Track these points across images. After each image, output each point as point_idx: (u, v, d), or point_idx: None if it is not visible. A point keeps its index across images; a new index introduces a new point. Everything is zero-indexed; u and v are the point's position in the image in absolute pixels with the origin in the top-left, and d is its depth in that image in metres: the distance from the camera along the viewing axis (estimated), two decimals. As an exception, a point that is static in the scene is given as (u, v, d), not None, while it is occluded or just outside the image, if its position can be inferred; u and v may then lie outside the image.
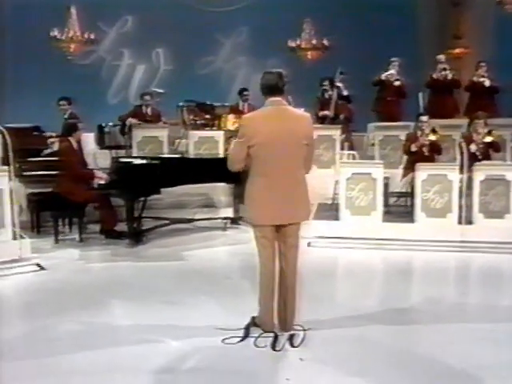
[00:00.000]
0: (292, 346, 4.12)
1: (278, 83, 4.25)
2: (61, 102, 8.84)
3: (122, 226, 7.51)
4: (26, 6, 12.15)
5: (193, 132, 9.88)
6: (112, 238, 7.42)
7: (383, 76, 10.62)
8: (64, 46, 12.47)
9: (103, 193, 7.36)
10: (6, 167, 6.44)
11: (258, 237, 4.25)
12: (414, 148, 8.22)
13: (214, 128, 10.31)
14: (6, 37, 12.12)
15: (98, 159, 9.37)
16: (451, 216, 7.45)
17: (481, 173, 7.42)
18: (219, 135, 9.67)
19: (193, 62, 13.88)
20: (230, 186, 8.42)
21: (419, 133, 8.32)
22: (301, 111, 4.40)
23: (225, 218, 8.20)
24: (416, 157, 8.09)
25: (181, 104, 10.70)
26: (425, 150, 8.15)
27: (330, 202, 8.36)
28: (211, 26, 13.68)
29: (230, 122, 10.09)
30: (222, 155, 9.00)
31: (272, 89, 4.24)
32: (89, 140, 9.63)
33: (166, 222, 7.89)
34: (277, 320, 4.31)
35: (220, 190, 8.94)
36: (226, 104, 10.86)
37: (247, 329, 4.31)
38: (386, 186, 8.29)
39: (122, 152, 9.75)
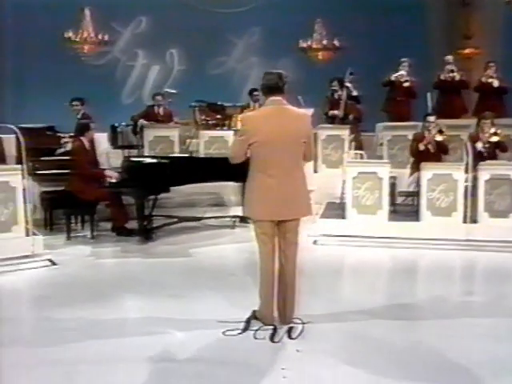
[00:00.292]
0: (290, 338, 4.28)
1: (278, 83, 4.40)
2: (74, 103, 9.04)
3: (132, 224, 7.68)
4: (41, 7, 12.33)
5: (203, 132, 10.04)
6: (123, 236, 7.61)
7: (393, 77, 10.70)
8: (78, 47, 12.67)
9: (114, 191, 7.54)
10: (19, 166, 6.63)
11: (258, 233, 4.39)
12: (421, 147, 8.30)
13: (225, 128, 10.46)
14: (20, 38, 12.28)
15: (111, 158, 9.53)
16: (456, 215, 7.52)
17: (486, 172, 7.47)
18: (229, 135, 9.80)
19: (206, 63, 13.98)
20: (239, 184, 8.54)
21: (426, 133, 8.39)
22: (300, 110, 4.52)
23: (233, 217, 8.34)
24: (423, 156, 8.17)
25: (193, 104, 10.87)
26: (430, 147, 8.22)
27: (338, 201, 8.46)
28: (224, 26, 13.78)
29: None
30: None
31: (272, 88, 4.39)
32: (102, 140, 9.78)
33: (175, 220, 8.04)
34: (277, 313, 4.45)
35: (230, 189, 9.06)
36: (237, 104, 10.99)
37: (248, 322, 4.46)
38: (393, 185, 8.38)
39: (134, 151, 9.94)
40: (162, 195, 8.14)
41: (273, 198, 4.31)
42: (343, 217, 7.79)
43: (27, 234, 6.58)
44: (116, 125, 10.14)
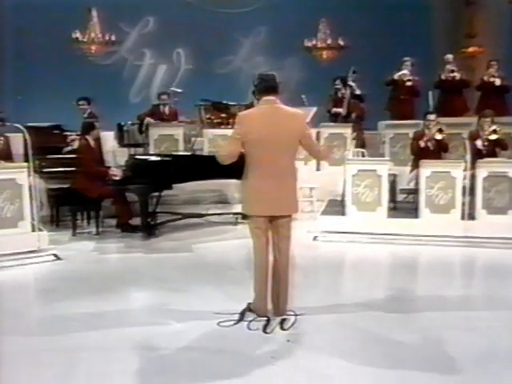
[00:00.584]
0: (282, 329, 4.44)
1: (274, 84, 4.54)
2: (80, 102, 9.24)
3: (137, 221, 7.86)
4: (49, 7, 12.53)
5: (207, 130, 10.20)
6: (127, 232, 7.80)
7: (396, 76, 10.78)
8: (85, 47, 12.88)
9: (118, 188, 7.71)
10: (25, 164, 6.84)
11: (252, 227, 4.55)
12: (422, 144, 8.40)
13: (229, 126, 10.59)
14: (29, 38, 12.49)
15: (117, 157, 9.71)
16: (455, 212, 7.63)
17: (484, 169, 7.58)
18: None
19: (212, 62, 14.12)
20: (241, 182, 8.68)
21: (426, 131, 8.50)
22: (294, 109, 4.66)
23: (235, 214, 8.49)
24: (423, 154, 8.27)
25: (198, 103, 11.02)
26: (430, 145, 8.33)
27: (339, 198, 8.59)
28: (230, 26, 13.95)
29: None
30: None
31: (269, 88, 4.53)
32: (109, 138, 9.97)
33: (178, 216, 8.21)
34: (271, 306, 4.61)
35: (233, 187, 9.19)
36: (242, 103, 11.10)
37: (242, 313, 4.63)
38: (394, 182, 8.51)
39: (140, 150, 10.10)
40: (167, 193, 8.35)
41: (267, 194, 4.47)
42: (343, 214, 7.92)
43: (33, 230, 6.78)
44: (122, 123, 10.27)
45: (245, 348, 4.10)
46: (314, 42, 13.75)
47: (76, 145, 8.65)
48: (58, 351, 4.12)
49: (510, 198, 7.57)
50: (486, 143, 8.18)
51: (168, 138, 9.89)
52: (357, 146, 9.84)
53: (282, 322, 4.50)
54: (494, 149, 8.30)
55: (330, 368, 3.82)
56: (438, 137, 8.36)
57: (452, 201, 7.64)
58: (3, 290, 5.55)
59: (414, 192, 8.38)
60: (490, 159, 7.85)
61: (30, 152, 6.82)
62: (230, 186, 9.23)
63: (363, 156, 8.91)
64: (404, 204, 8.68)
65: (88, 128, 7.97)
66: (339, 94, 10.49)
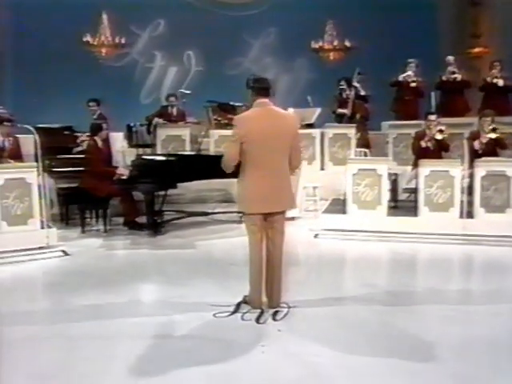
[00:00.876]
0: (274, 320, 4.66)
1: (268, 87, 4.77)
2: (90, 104, 9.53)
3: (144, 219, 8.09)
4: (60, 10, 12.82)
5: (213, 131, 10.43)
6: (134, 230, 8.04)
7: (400, 77, 10.92)
8: (96, 50, 13.20)
9: (125, 188, 7.95)
10: (34, 163, 7.10)
11: (248, 224, 4.80)
12: (423, 144, 8.54)
13: (235, 127, 10.77)
14: (41, 41, 12.77)
15: (126, 157, 9.95)
16: (453, 210, 7.77)
17: (482, 169, 7.69)
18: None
19: (222, 63, 14.28)
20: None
21: (427, 131, 8.63)
22: (286, 111, 4.91)
23: (240, 212, 8.66)
24: (424, 153, 8.41)
25: (206, 104, 11.24)
26: (430, 144, 8.46)
27: (342, 197, 8.76)
28: (240, 28, 14.17)
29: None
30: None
31: (263, 91, 4.79)
32: (119, 138, 10.21)
33: (184, 214, 8.44)
34: (265, 299, 4.83)
35: (237, 186, 9.40)
36: (247, 104, 11.26)
37: (238, 305, 4.87)
38: (395, 181, 8.67)
39: (148, 150, 10.35)
40: (174, 192, 8.59)
41: (263, 192, 4.70)
42: (344, 212, 8.10)
43: (42, 227, 7.06)
44: (131, 124, 10.53)
45: (237, 337, 4.33)
46: (320, 44, 13.95)
47: (85, 145, 8.90)
48: (59, 338, 4.40)
49: (508, 197, 7.67)
50: (484, 141, 8.26)
51: (175, 139, 10.15)
52: (360, 146, 10.04)
53: (275, 313, 4.72)
54: (493, 148, 8.41)
55: (318, 356, 4.02)
56: (439, 137, 8.48)
57: (451, 199, 7.76)
58: (12, 283, 5.87)
59: (415, 191, 8.53)
60: (488, 158, 7.96)
61: (39, 152, 7.09)
62: (235, 185, 9.38)
63: (365, 156, 9.08)
64: (406, 203, 8.80)
65: (96, 129, 8.24)
66: (344, 95, 10.66)
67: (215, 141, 10.22)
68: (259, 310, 4.73)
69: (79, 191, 8.06)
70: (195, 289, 5.52)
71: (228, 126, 10.92)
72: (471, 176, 7.76)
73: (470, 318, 4.79)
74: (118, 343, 4.29)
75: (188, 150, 9.92)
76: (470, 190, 7.77)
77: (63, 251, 6.92)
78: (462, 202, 7.73)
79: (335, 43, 13.79)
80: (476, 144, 8.19)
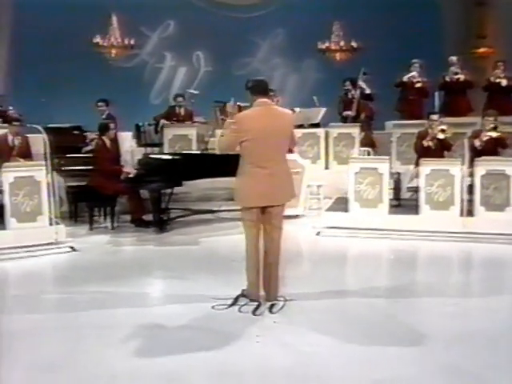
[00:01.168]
0: (271, 312, 4.83)
1: (267, 87, 4.95)
2: (99, 104, 9.72)
3: (150, 217, 8.29)
4: (70, 12, 13.03)
5: (219, 130, 10.56)
6: (140, 227, 8.25)
7: (405, 78, 11.00)
8: (106, 51, 13.42)
9: (132, 186, 8.15)
10: (43, 162, 7.31)
11: (245, 219, 4.98)
12: (425, 143, 8.65)
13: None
14: (51, 43, 12.97)
15: (135, 156, 10.15)
16: (454, 208, 7.88)
17: (482, 168, 7.79)
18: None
19: (231, 64, 14.42)
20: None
21: (429, 131, 8.73)
22: (284, 109, 5.11)
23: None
24: (426, 153, 8.52)
25: (213, 104, 11.43)
26: (432, 144, 8.57)
27: (346, 196, 8.89)
28: (248, 28, 14.34)
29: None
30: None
31: (262, 91, 4.96)
32: (127, 138, 10.41)
33: (188, 212, 8.63)
34: (263, 292, 4.99)
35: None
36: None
37: (236, 298, 5.04)
38: (398, 180, 8.79)
39: (156, 149, 10.53)
40: (181, 190, 8.77)
41: (262, 187, 4.86)
42: (346, 210, 8.24)
43: (51, 224, 7.27)
44: (140, 124, 10.72)
45: (233, 328, 4.51)
46: (327, 44, 14.09)
47: (94, 144, 9.10)
48: (65, 326, 4.65)
49: (508, 196, 7.74)
50: (484, 138, 8.34)
51: (182, 138, 10.30)
52: (364, 145, 10.16)
53: (272, 306, 4.90)
54: (494, 147, 8.50)
55: (311, 345, 4.19)
56: (441, 136, 8.57)
57: (451, 198, 7.86)
58: (21, 277, 6.14)
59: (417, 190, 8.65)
60: (488, 157, 8.05)
61: (48, 151, 7.30)
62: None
63: (369, 155, 9.20)
64: (409, 201, 8.90)
65: (103, 129, 8.46)
66: (349, 95, 10.77)
67: (220, 140, 10.34)
68: (256, 303, 4.89)
69: (88, 189, 8.27)
70: (198, 283, 5.72)
71: (234, 125, 11.10)
72: (471, 175, 7.87)
73: (469, 313, 4.94)
74: (119, 333, 4.47)
75: (194, 149, 10.08)
76: (470, 188, 7.89)
77: (71, 247, 7.14)
78: (462, 200, 7.84)
79: (342, 44, 13.93)
80: (476, 141, 8.28)
